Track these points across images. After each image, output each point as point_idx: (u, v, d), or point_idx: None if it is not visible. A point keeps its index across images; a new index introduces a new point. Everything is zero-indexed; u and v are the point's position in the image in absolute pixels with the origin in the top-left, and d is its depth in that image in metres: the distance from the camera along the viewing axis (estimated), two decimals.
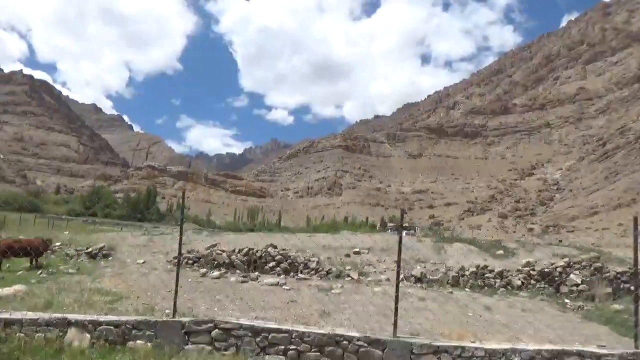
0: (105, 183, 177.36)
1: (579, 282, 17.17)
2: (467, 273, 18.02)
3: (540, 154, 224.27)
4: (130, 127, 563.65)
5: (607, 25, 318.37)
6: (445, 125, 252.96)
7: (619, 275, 17.76)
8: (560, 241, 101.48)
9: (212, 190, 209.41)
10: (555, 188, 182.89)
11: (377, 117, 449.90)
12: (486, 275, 17.95)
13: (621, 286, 17.33)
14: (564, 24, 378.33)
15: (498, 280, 17.81)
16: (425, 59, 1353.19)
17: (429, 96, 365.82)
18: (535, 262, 18.99)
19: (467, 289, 17.01)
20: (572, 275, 17.50)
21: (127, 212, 75.07)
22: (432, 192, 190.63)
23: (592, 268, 17.89)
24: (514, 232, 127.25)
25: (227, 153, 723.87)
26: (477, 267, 18.31)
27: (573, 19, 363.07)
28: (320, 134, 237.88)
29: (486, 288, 17.20)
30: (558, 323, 12.33)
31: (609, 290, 16.87)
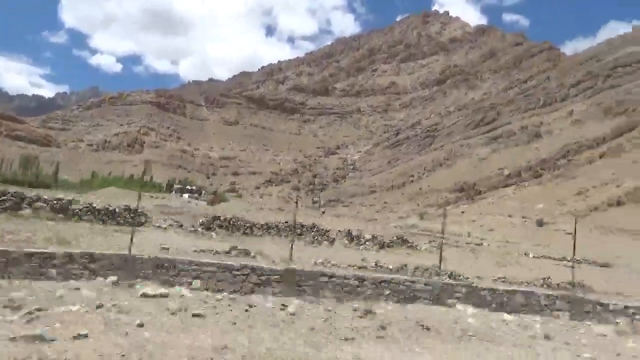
0: None
1: None
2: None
3: (348, 137, 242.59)
4: None
5: (423, 32, 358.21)
6: (267, 97, 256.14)
7: None
8: (324, 212, 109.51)
9: None
10: (352, 168, 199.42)
11: (211, 80, 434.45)
12: None
13: None
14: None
15: None
16: (270, 31, 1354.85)
17: (262, 67, 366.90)
18: None
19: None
20: None
21: None
22: (239, 160, 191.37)
23: None
24: (295, 202, 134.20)
25: (34, 95, 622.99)
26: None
27: (399, 20, 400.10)
28: (151, 87, 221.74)
29: None
30: None
31: None
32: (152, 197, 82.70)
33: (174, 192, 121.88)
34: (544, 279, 16.13)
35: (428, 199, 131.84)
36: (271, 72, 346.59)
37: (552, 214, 79.64)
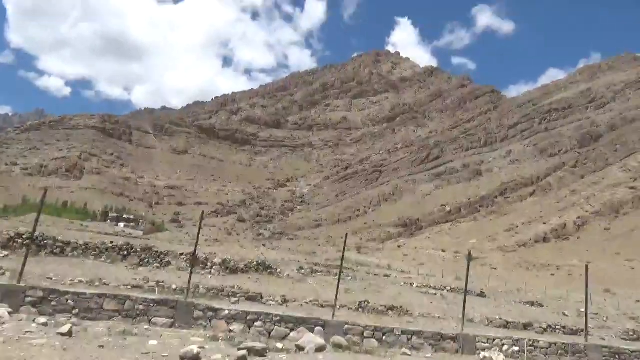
0: None
1: None
2: None
3: (299, 170, 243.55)
4: None
5: (374, 71, 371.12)
6: (218, 127, 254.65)
7: None
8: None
9: None
10: (300, 201, 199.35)
11: (164, 108, 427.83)
12: None
13: None
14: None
15: None
16: (227, 62, 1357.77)
17: (216, 97, 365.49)
18: None
19: None
20: None
21: None
22: (186, 190, 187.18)
23: None
24: (238, 234, 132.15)
25: None
26: None
27: (353, 58, 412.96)
28: (100, 113, 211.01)
29: None
30: None
31: None
32: (82, 225, 79.03)
33: (108, 220, 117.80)
34: (360, 302, 17.35)
35: (371, 233, 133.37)
36: (225, 102, 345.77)
37: (483, 250, 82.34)
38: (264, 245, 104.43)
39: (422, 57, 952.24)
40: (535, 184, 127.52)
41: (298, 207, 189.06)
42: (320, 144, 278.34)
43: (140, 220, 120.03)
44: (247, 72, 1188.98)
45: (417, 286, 29.95)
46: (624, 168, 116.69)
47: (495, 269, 66.49)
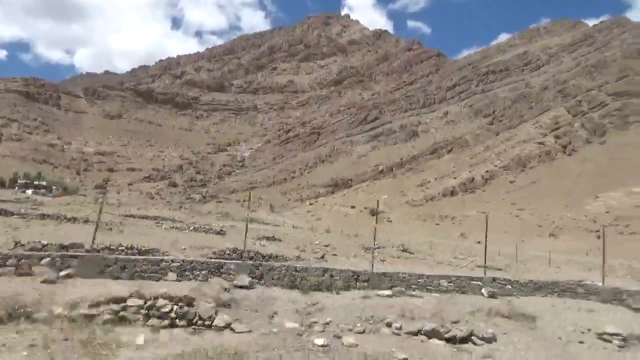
0: None
1: None
2: None
3: (242, 134, 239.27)
4: None
5: (323, 33, 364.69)
6: (156, 91, 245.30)
7: None
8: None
9: None
10: (240, 165, 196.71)
11: (107, 72, 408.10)
12: None
13: None
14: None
15: None
16: (176, 23, 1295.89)
17: (160, 61, 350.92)
18: None
19: None
20: None
21: None
22: (118, 156, 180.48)
23: None
24: (163, 198, 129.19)
25: None
26: None
27: (302, 20, 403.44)
28: (42, 77, 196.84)
29: None
30: None
31: None
32: None
33: (16, 187, 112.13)
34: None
35: (300, 194, 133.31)
36: (169, 66, 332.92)
37: (392, 204, 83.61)
38: (181, 207, 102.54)
39: (377, 20, 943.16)
40: (455, 142, 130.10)
41: (237, 171, 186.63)
42: (265, 108, 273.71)
43: (54, 187, 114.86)
44: (198, 34, 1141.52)
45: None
46: (536, 125, 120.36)
47: (390, 221, 67.73)
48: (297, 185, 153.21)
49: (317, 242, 29.35)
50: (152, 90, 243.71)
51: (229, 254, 17.78)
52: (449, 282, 14.31)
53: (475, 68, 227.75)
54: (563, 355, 9.07)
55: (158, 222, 30.70)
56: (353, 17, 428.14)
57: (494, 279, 14.96)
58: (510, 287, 14.80)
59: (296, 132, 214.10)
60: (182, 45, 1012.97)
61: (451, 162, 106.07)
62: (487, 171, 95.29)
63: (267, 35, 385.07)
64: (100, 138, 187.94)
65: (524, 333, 9.87)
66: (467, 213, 72.48)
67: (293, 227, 52.22)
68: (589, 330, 10.43)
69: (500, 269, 23.91)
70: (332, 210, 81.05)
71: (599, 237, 55.21)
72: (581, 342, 9.72)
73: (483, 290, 14.00)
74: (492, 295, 13.53)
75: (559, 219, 69.18)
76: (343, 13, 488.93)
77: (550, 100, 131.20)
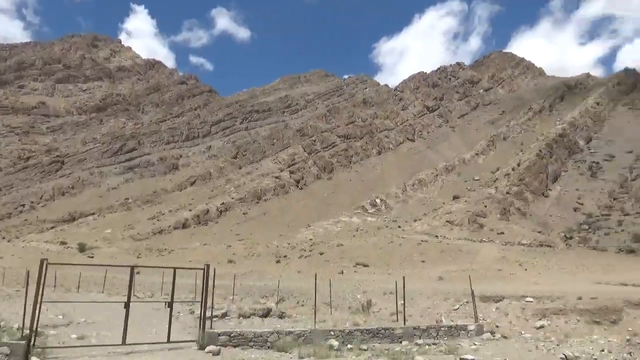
0: None
1: None
2: None
3: None
4: None
5: (87, 55, 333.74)
6: None
7: None
8: None
9: None
10: None
11: None
12: None
13: None
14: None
15: None
16: None
17: None
18: None
19: None
20: None
21: None
22: None
23: None
24: None
25: None
26: None
27: (63, 38, 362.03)
28: None
29: None
30: None
31: None
32: None
33: None
34: None
35: (20, 230, 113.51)
36: None
37: (114, 238, 77.05)
38: None
39: (159, 51, 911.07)
40: (198, 175, 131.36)
41: None
42: (4, 131, 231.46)
43: None
44: None
45: None
46: (275, 160, 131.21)
47: (92, 257, 61.30)
48: (23, 220, 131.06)
49: None
50: None
51: None
52: None
53: (241, 106, 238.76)
54: None
55: None
56: (130, 43, 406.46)
57: None
58: None
59: (38, 160, 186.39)
60: None
61: (191, 195, 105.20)
62: (222, 203, 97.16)
63: (18, 49, 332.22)
64: None
65: None
66: (190, 245, 71.16)
67: None
68: None
69: None
70: (27, 247, 69.43)
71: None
72: None
73: None
74: None
75: (274, 247, 73.55)
76: (122, 37, 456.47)
77: (290, 138, 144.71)
